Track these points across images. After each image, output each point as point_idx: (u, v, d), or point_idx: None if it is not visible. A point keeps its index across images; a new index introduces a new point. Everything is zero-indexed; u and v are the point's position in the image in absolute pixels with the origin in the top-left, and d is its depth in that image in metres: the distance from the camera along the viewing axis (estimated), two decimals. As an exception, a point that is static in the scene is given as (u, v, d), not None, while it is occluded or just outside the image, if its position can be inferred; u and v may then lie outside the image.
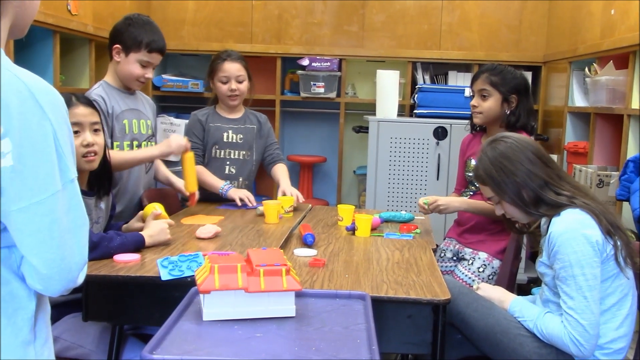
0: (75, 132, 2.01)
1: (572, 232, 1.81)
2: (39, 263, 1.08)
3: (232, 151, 3.08)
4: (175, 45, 4.74)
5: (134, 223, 2.28)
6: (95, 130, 2.09)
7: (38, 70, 3.28)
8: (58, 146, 1.08)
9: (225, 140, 3.06)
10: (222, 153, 3.07)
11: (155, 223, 2.15)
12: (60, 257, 1.09)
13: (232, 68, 3.01)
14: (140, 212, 2.30)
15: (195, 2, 4.80)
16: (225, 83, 3.02)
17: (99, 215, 2.21)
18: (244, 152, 3.10)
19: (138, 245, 2.04)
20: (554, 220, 1.88)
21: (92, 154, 2.06)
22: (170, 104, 4.89)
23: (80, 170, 2.13)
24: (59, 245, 1.09)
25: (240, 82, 3.04)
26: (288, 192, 2.92)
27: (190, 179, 2.61)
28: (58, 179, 1.09)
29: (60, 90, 3.30)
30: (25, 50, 3.26)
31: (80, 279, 1.15)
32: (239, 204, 2.87)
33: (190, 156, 2.61)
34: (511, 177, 1.93)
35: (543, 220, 2.00)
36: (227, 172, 3.06)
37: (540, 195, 1.91)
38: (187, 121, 4.42)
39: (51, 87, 1.12)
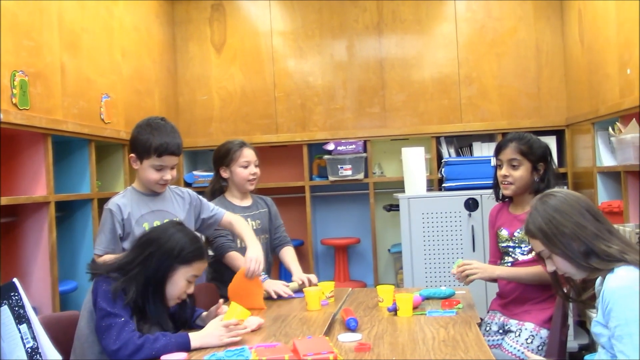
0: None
1: (627, 289, 1.79)
2: None
3: None
4: (205, 142, 4.90)
5: (212, 312, 2.32)
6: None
7: (76, 177, 3.42)
8: None
9: None
10: None
11: (211, 324, 2.12)
12: None
13: (251, 154, 3.20)
14: (222, 307, 2.34)
15: (221, 99, 5.00)
16: (246, 167, 3.16)
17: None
18: (263, 237, 3.18)
19: (181, 348, 2.01)
20: (608, 277, 1.86)
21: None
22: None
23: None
24: None
25: (256, 167, 3.20)
26: (302, 279, 2.98)
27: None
28: None
29: (97, 195, 3.43)
30: (63, 160, 3.40)
31: None
32: (274, 296, 2.84)
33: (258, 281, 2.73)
34: (561, 229, 1.94)
35: (598, 281, 1.98)
36: None
37: (591, 247, 1.90)
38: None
39: None
